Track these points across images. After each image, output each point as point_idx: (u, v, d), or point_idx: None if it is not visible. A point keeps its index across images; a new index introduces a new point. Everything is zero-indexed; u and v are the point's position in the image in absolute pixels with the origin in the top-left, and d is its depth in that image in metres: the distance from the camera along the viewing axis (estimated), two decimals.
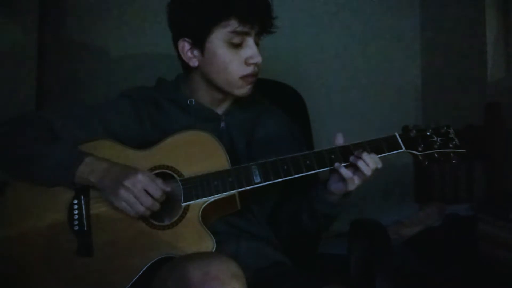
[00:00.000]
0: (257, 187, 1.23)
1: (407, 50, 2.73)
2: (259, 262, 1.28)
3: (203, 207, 1.21)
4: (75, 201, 1.23)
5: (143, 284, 1.13)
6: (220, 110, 1.38)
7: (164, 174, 1.24)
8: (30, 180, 1.24)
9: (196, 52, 1.30)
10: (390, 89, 2.69)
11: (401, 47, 2.72)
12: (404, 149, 1.27)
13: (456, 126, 1.34)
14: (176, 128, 1.29)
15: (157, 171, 1.24)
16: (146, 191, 1.17)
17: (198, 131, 1.28)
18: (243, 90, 1.32)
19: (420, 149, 1.27)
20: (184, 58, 1.32)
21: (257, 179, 1.22)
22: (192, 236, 1.18)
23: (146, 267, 1.16)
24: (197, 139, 1.27)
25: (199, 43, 1.28)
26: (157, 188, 1.18)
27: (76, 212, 1.22)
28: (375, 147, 1.25)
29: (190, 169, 1.24)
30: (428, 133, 1.28)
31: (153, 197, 1.17)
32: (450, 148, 1.27)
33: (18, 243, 1.21)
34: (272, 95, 1.51)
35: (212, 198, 1.21)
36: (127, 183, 1.16)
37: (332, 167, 1.24)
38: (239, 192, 1.23)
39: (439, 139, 1.28)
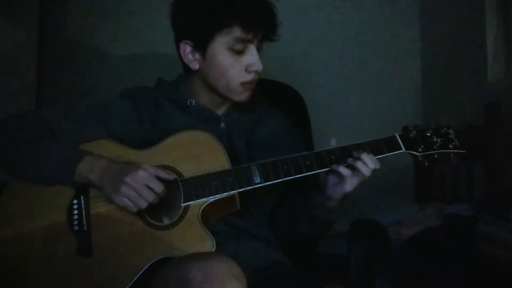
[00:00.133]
0: (257, 187, 1.23)
1: (407, 50, 2.73)
2: (259, 262, 1.27)
3: (203, 207, 1.21)
4: (75, 201, 1.23)
5: (143, 284, 1.13)
6: (220, 111, 1.38)
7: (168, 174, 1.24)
8: (30, 179, 1.24)
9: (197, 55, 1.30)
10: (390, 89, 2.69)
11: (401, 47, 2.72)
12: (404, 149, 1.27)
13: (456, 126, 1.34)
14: (176, 128, 1.29)
15: None
16: (147, 186, 1.17)
17: (198, 131, 1.28)
18: (241, 96, 1.32)
19: (420, 149, 1.27)
20: (185, 61, 1.32)
21: (257, 179, 1.22)
22: (192, 236, 1.18)
23: (146, 267, 1.16)
24: (197, 139, 1.27)
25: (201, 47, 1.28)
26: (159, 183, 1.18)
27: (75, 212, 1.22)
28: (375, 147, 1.25)
29: (190, 169, 1.24)
30: (428, 134, 1.28)
31: (155, 191, 1.17)
32: (450, 148, 1.27)
33: (18, 243, 1.21)
34: (272, 95, 1.51)
35: (212, 198, 1.21)
36: (128, 179, 1.16)
37: (330, 168, 1.23)
38: (239, 192, 1.22)
39: (439, 139, 1.27)
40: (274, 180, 1.23)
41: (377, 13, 2.70)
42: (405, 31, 2.73)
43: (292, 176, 1.23)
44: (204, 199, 1.21)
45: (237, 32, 1.24)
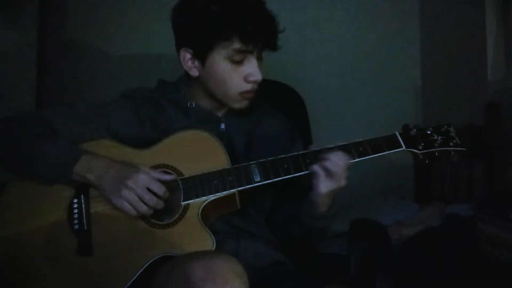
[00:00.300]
0: (256, 187, 1.23)
1: (407, 50, 2.74)
2: (259, 262, 1.28)
3: (203, 206, 1.21)
4: (75, 200, 1.23)
5: (143, 283, 1.13)
6: (220, 113, 1.38)
7: (165, 173, 1.24)
8: (29, 178, 1.24)
9: (196, 63, 1.30)
10: (390, 89, 2.69)
11: (401, 47, 2.73)
12: (404, 147, 1.27)
13: (456, 126, 1.34)
14: (176, 129, 1.29)
15: (157, 170, 1.23)
16: (148, 189, 1.17)
17: (198, 131, 1.28)
18: (240, 104, 1.32)
19: (420, 147, 1.26)
20: (185, 67, 1.32)
21: (257, 178, 1.23)
22: (192, 235, 1.18)
23: (146, 265, 1.16)
24: (197, 138, 1.27)
25: (200, 55, 1.28)
26: (160, 185, 1.18)
27: (76, 211, 1.22)
28: (375, 146, 1.25)
29: (190, 168, 1.24)
30: (429, 132, 1.28)
31: (157, 194, 1.17)
32: (451, 146, 1.27)
33: (18, 242, 1.21)
34: (272, 95, 1.51)
35: (212, 197, 1.21)
36: (129, 182, 1.16)
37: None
38: (239, 192, 1.23)
39: (439, 137, 1.27)
40: (274, 178, 1.23)
41: (377, 13, 2.70)
42: (405, 31, 2.73)
43: (292, 174, 1.23)
44: (204, 198, 1.21)
45: (236, 44, 1.24)
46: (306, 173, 1.23)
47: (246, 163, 1.24)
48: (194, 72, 1.31)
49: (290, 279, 1.23)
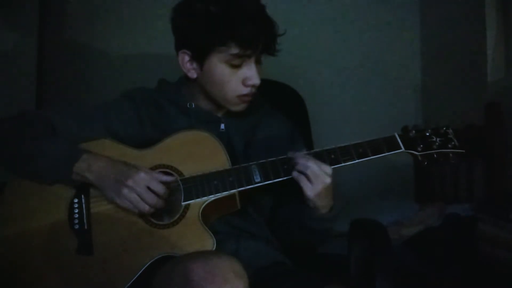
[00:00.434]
0: (256, 187, 1.23)
1: (407, 50, 2.73)
2: (259, 262, 1.28)
3: (203, 206, 1.21)
4: (76, 200, 1.23)
5: (144, 282, 1.14)
6: (220, 113, 1.38)
7: (165, 173, 1.24)
8: (29, 178, 1.25)
9: (195, 65, 1.30)
10: (389, 89, 2.69)
11: (401, 47, 2.72)
12: (403, 149, 1.27)
13: (456, 126, 1.34)
14: (176, 129, 1.29)
15: (157, 171, 1.24)
16: (149, 188, 1.17)
17: (198, 131, 1.28)
18: (238, 107, 1.33)
19: (419, 149, 1.27)
20: (183, 69, 1.32)
21: (257, 178, 1.23)
22: (192, 235, 1.18)
23: (146, 266, 1.16)
24: (198, 138, 1.28)
25: (199, 58, 1.28)
26: (161, 184, 1.18)
27: (76, 211, 1.23)
28: (374, 147, 1.26)
29: (190, 169, 1.24)
30: (428, 134, 1.28)
31: (157, 194, 1.18)
32: (449, 148, 1.28)
33: (19, 242, 1.21)
34: (272, 96, 1.51)
35: (212, 197, 1.22)
36: (129, 182, 1.17)
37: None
38: (239, 192, 1.23)
39: (438, 139, 1.28)
40: (274, 179, 1.23)
41: (377, 13, 2.70)
42: (405, 31, 2.73)
43: (292, 175, 1.23)
44: (204, 198, 1.21)
45: (234, 49, 1.24)
46: None
47: (246, 164, 1.24)
48: (193, 74, 1.31)
49: (290, 279, 1.23)
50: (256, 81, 1.28)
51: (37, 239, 1.21)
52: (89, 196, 1.23)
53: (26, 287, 1.20)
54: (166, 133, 1.29)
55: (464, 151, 1.27)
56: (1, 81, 2.10)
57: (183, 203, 1.22)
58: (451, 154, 1.28)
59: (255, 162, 1.24)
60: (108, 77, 2.45)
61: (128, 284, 1.15)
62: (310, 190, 1.20)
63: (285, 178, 1.24)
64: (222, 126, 1.36)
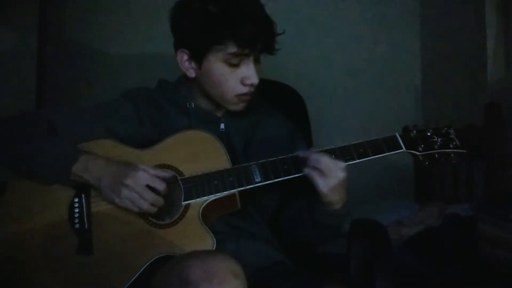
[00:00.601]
0: (256, 187, 1.23)
1: (407, 50, 2.73)
2: (259, 262, 1.28)
3: (203, 206, 1.21)
4: (76, 200, 1.23)
5: (143, 282, 1.13)
6: (219, 113, 1.38)
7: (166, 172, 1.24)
8: (29, 177, 1.25)
9: (193, 64, 1.30)
10: (390, 89, 2.69)
11: (401, 47, 2.72)
12: (404, 149, 1.27)
13: (456, 126, 1.34)
14: (176, 129, 1.29)
15: None
16: (148, 186, 1.17)
17: (199, 131, 1.29)
18: (236, 106, 1.33)
19: (420, 149, 1.27)
20: (182, 68, 1.32)
21: (257, 178, 1.23)
22: (192, 235, 1.18)
23: (146, 265, 1.16)
24: (198, 138, 1.28)
25: (197, 57, 1.28)
26: (160, 181, 1.18)
27: (76, 210, 1.23)
28: (375, 147, 1.26)
29: (190, 168, 1.24)
30: (429, 134, 1.28)
31: (158, 190, 1.17)
32: (451, 148, 1.28)
33: (19, 241, 1.22)
34: (272, 96, 1.51)
35: (212, 197, 1.22)
36: (128, 181, 1.16)
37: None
38: (240, 192, 1.23)
39: (439, 139, 1.28)
40: (275, 179, 1.23)
41: (377, 13, 2.70)
42: (405, 30, 2.73)
43: (292, 175, 1.23)
44: (204, 198, 1.22)
45: (232, 48, 1.24)
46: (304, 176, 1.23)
47: (246, 164, 1.24)
48: (191, 74, 1.31)
49: (290, 279, 1.23)
50: (254, 80, 1.28)
51: (37, 239, 1.21)
52: (89, 196, 1.23)
53: (26, 286, 1.20)
54: (166, 133, 1.29)
55: (465, 151, 1.27)
56: (1, 81, 2.10)
57: (183, 203, 1.22)
58: (452, 154, 1.28)
59: (255, 162, 1.24)
60: (108, 77, 2.45)
61: (128, 284, 1.15)
62: (324, 185, 1.20)
63: (285, 178, 1.23)
64: (222, 125, 1.36)
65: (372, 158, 1.26)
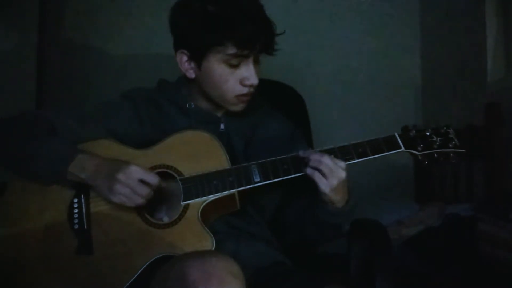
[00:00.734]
0: (256, 187, 1.23)
1: (407, 50, 2.73)
2: (259, 262, 1.28)
3: (202, 206, 1.21)
4: (75, 200, 1.23)
5: (143, 282, 1.13)
6: (219, 113, 1.38)
7: (164, 173, 1.24)
8: (28, 178, 1.25)
9: (193, 65, 1.30)
10: (390, 89, 2.69)
11: (401, 47, 2.72)
12: (403, 148, 1.27)
13: (457, 126, 1.34)
14: (176, 129, 1.29)
15: (157, 170, 1.24)
16: (142, 181, 1.16)
17: (198, 131, 1.28)
18: (236, 107, 1.33)
19: (419, 148, 1.27)
20: (181, 68, 1.32)
21: (257, 178, 1.23)
22: (191, 235, 1.18)
23: (146, 265, 1.16)
24: (197, 139, 1.28)
25: (196, 57, 1.28)
26: (153, 175, 1.18)
27: (76, 210, 1.23)
28: (374, 147, 1.26)
29: (190, 169, 1.24)
30: (428, 133, 1.28)
31: (151, 183, 1.17)
32: (450, 148, 1.28)
33: (18, 242, 1.22)
34: (272, 96, 1.51)
35: (211, 197, 1.22)
36: (120, 176, 1.16)
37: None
38: (239, 192, 1.23)
39: (438, 139, 1.28)
40: (274, 179, 1.23)
41: (377, 13, 2.70)
42: (405, 30, 2.73)
43: (292, 175, 1.23)
44: (204, 198, 1.21)
45: (232, 48, 1.24)
46: (305, 175, 1.23)
47: (246, 164, 1.24)
48: (191, 74, 1.31)
49: (290, 279, 1.23)
50: (254, 81, 1.28)
51: (37, 239, 1.21)
52: (88, 196, 1.23)
53: (26, 287, 1.20)
54: (166, 133, 1.29)
55: (464, 150, 1.27)
56: (1, 81, 2.10)
57: (183, 203, 1.22)
58: (451, 154, 1.28)
59: (254, 162, 1.24)
60: (108, 77, 2.45)
61: (128, 284, 1.15)
62: (325, 185, 1.20)
63: (284, 178, 1.23)
64: (222, 126, 1.36)
65: (372, 158, 1.26)
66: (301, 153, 1.24)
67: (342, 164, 1.21)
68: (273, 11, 1.30)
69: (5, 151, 1.26)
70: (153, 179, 1.17)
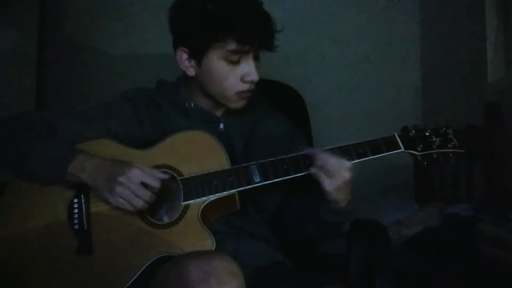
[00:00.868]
0: (256, 187, 1.23)
1: (407, 50, 2.73)
2: (259, 262, 1.28)
3: (202, 206, 1.21)
4: (75, 200, 1.23)
5: (143, 282, 1.13)
6: (219, 113, 1.38)
7: (164, 173, 1.24)
8: (27, 178, 1.25)
9: (193, 63, 1.30)
10: (389, 89, 2.69)
11: (401, 47, 2.72)
12: (403, 149, 1.27)
13: (456, 126, 1.34)
14: (176, 129, 1.29)
15: (157, 170, 1.24)
16: (143, 183, 1.16)
17: (198, 131, 1.28)
18: (237, 104, 1.32)
19: (419, 149, 1.27)
20: (182, 66, 1.32)
21: (257, 178, 1.23)
22: (191, 235, 1.18)
23: (146, 265, 1.16)
24: (197, 139, 1.28)
25: (196, 55, 1.28)
26: (155, 178, 1.17)
27: (76, 211, 1.23)
28: (374, 147, 1.26)
29: (190, 169, 1.24)
30: (427, 134, 1.28)
31: (152, 186, 1.16)
32: (449, 148, 1.28)
33: (19, 242, 1.22)
34: (272, 95, 1.51)
35: (211, 197, 1.22)
36: (121, 179, 1.15)
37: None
38: (239, 192, 1.23)
39: (438, 139, 1.28)
40: (274, 179, 1.23)
41: (377, 13, 2.70)
42: (405, 31, 2.73)
43: (292, 175, 1.23)
44: (204, 198, 1.21)
45: (232, 45, 1.24)
46: (305, 174, 1.23)
47: (246, 164, 1.24)
48: (191, 72, 1.31)
49: (290, 279, 1.23)
50: (254, 77, 1.28)
51: (37, 239, 1.21)
52: (88, 196, 1.23)
53: (26, 287, 1.20)
54: (166, 133, 1.29)
55: (463, 151, 1.28)
56: (1, 81, 2.10)
57: (183, 203, 1.22)
58: (451, 154, 1.28)
59: (254, 162, 1.24)
60: (108, 77, 2.45)
61: (128, 284, 1.15)
62: (330, 184, 1.20)
63: (284, 178, 1.23)
64: (221, 125, 1.36)
65: (372, 158, 1.26)
66: (307, 152, 1.24)
67: (348, 164, 1.21)
68: (274, 11, 1.30)
69: (4, 152, 1.26)
70: (155, 182, 1.17)
